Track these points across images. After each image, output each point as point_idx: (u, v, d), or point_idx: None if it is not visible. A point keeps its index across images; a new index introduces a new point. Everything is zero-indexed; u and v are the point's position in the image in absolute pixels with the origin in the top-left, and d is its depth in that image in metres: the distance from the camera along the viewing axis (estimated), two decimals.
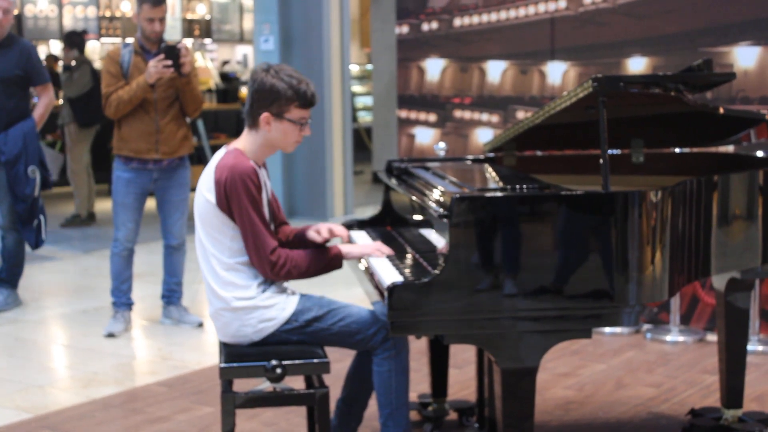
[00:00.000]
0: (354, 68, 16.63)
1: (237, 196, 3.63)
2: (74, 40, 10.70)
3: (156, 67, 6.01)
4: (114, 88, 6.14)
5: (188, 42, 16.40)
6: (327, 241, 3.96)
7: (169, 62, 6.02)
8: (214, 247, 3.72)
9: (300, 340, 3.76)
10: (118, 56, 6.23)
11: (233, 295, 3.71)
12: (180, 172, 6.36)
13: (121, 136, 6.24)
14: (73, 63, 10.57)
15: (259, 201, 3.68)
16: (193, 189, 6.20)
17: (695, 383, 5.24)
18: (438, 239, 3.76)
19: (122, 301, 6.47)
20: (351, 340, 3.80)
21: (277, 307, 3.72)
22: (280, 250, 3.68)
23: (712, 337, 5.93)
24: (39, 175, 6.90)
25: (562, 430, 4.62)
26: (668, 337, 6.04)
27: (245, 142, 3.79)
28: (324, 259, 3.76)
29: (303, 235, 3.99)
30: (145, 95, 6.12)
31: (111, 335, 6.34)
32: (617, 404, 4.94)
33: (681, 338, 6.02)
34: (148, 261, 8.33)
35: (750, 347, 5.66)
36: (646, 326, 6.23)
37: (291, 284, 3.91)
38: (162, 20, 6.20)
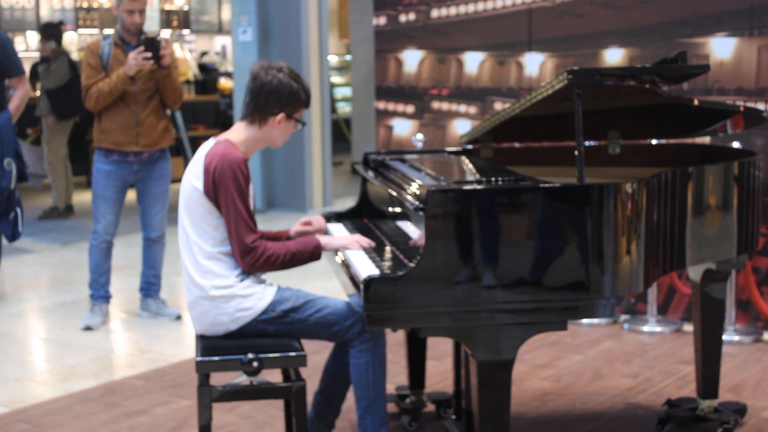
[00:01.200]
0: (333, 59, 16.61)
1: (225, 184, 3.66)
2: (51, 31, 10.63)
3: (136, 59, 6.00)
4: (94, 80, 6.13)
5: (166, 33, 16.34)
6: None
7: (149, 54, 6.01)
8: (197, 235, 3.73)
9: (277, 331, 3.76)
10: (98, 48, 6.21)
11: (212, 284, 3.71)
12: (161, 164, 6.35)
13: (102, 128, 6.23)
14: (51, 55, 10.51)
15: (246, 191, 3.71)
16: (174, 181, 6.20)
17: (672, 374, 5.27)
18: (415, 232, 3.76)
19: (100, 294, 6.45)
20: (328, 331, 3.81)
21: (254, 297, 3.73)
22: (260, 241, 3.69)
23: (689, 328, 5.96)
24: (15, 167, 6.84)
25: (539, 422, 4.63)
26: (645, 328, 6.06)
27: (240, 135, 3.81)
28: (303, 251, 3.77)
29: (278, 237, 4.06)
30: (125, 87, 6.10)
31: (88, 328, 6.32)
32: (594, 395, 4.96)
33: (658, 328, 6.04)
34: (127, 254, 8.30)
35: (726, 337, 5.69)
36: (623, 317, 6.25)
37: (269, 276, 3.91)
38: (142, 12, 6.19)
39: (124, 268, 7.86)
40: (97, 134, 6.26)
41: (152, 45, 6.03)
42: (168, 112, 6.40)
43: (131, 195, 6.51)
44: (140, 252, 6.60)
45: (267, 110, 3.77)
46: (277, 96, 3.76)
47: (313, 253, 3.80)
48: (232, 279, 3.73)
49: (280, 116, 3.77)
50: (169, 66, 6.12)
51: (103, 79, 6.11)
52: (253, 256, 3.67)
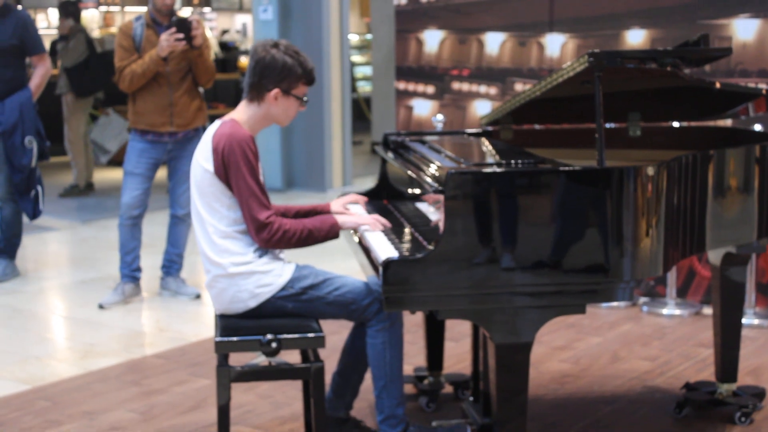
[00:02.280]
0: (354, 38, 16.57)
1: (235, 163, 3.66)
2: (69, 9, 10.65)
3: (168, 40, 6.03)
4: (127, 62, 6.16)
5: (187, 11, 16.34)
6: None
7: (181, 35, 6.04)
8: (211, 215, 3.74)
9: (295, 308, 3.77)
10: (131, 30, 6.25)
11: (230, 261, 3.72)
12: (194, 143, 6.36)
13: (136, 109, 6.27)
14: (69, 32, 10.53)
15: (256, 168, 3.71)
16: None
17: (691, 357, 5.25)
18: (434, 214, 3.76)
19: (125, 272, 6.47)
20: (345, 310, 3.81)
21: (273, 273, 3.74)
22: (276, 217, 3.70)
23: (709, 311, 5.93)
24: (36, 145, 6.90)
25: (557, 404, 4.63)
26: (664, 311, 6.05)
27: (243, 113, 3.81)
28: (320, 229, 3.77)
29: (305, 213, 4.07)
30: (158, 68, 6.13)
31: (101, 307, 6.34)
32: (612, 378, 4.96)
33: (677, 311, 6.03)
34: (151, 232, 8.29)
35: (745, 321, 5.67)
36: (642, 299, 6.24)
37: (287, 254, 3.91)
38: None
39: (147, 246, 7.84)
40: (131, 116, 6.31)
41: (184, 26, 6.06)
42: (201, 90, 6.42)
43: (159, 173, 6.52)
44: (164, 230, 6.62)
45: (262, 87, 3.76)
46: (270, 72, 3.74)
47: (330, 232, 3.80)
48: (250, 255, 3.73)
49: (275, 92, 3.75)
50: (200, 46, 6.15)
51: (136, 61, 6.14)
52: (269, 232, 3.67)
